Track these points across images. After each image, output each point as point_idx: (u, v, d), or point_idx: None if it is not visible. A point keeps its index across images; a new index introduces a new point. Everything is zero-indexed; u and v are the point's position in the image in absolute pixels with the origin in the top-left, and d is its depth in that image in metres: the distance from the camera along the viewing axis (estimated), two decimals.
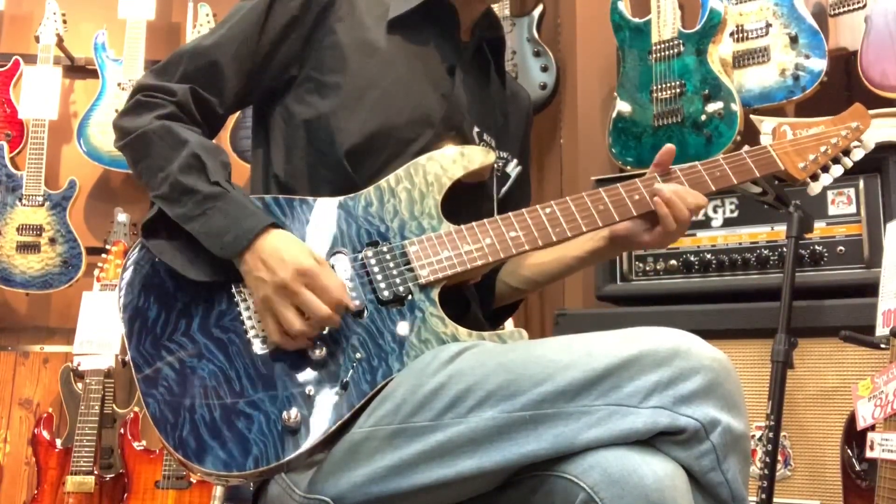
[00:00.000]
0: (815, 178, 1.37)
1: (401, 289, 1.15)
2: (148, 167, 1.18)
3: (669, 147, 1.31)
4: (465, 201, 1.27)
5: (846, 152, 1.38)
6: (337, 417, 1.05)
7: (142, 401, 1.07)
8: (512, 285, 1.47)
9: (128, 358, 1.10)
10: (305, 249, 1.11)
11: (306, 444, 1.03)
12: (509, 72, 1.54)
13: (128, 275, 1.16)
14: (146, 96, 1.23)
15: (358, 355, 1.10)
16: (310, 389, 1.07)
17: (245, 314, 1.12)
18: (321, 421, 1.05)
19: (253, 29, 1.26)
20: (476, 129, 1.37)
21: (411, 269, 1.16)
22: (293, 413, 1.04)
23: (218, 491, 1.15)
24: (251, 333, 1.11)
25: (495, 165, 1.35)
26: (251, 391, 1.06)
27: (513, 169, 1.44)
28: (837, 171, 1.37)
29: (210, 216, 1.12)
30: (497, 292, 1.48)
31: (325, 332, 1.11)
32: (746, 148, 1.35)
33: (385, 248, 1.18)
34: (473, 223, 1.20)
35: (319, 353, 1.09)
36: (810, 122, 1.39)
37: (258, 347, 1.10)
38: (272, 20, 1.27)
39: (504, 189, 1.42)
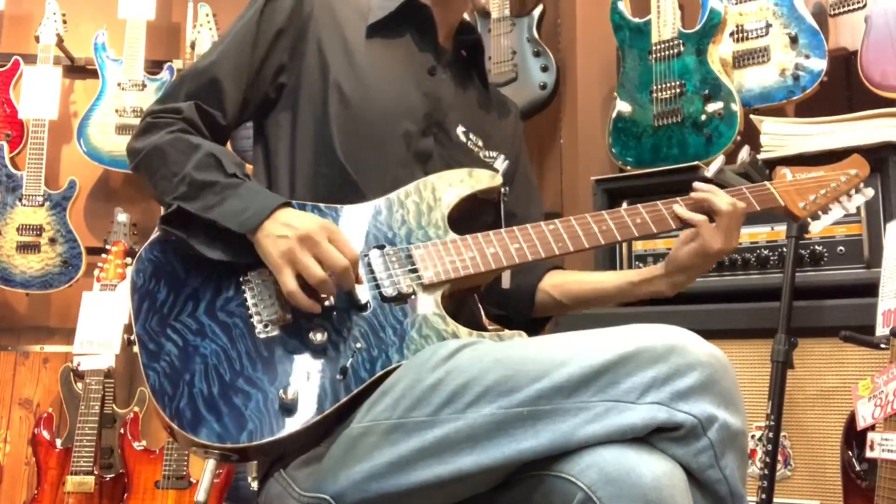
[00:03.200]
0: (814, 217, 1.39)
1: (404, 287, 1.17)
2: (163, 176, 1.22)
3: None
4: (471, 220, 1.31)
5: (847, 197, 1.41)
6: (334, 401, 1.07)
7: (143, 387, 1.09)
8: (555, 297, 1.47)
9: (133, 336, 1.13)
10: (321, 217, 1.18)
11: (301, 424, 1.05)
12: (494, 80, 1.58)
13: (141, 263, 1.19)
14: (154, 118, 1.29)
15: (358, 345, 1.12)
16: (309, 372, 1.09)
17: (251, 301, 1.15)
18: (318, 403, 1.07)
19: (246, 43, 1.33)
20: (462, 128, 1.41)
21: (415, 271, 1.19)
22: (291, 392, 1.05)
23: (204, 483, 1.14)
24: (255, 319, 1.13)
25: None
26: (251, 370, 1.08)
27: (500, 164, 1.47)
28: (838, 212, 1.40)
29: (228, 201, 1.16)
30: (537, 301, 1.48)
31: (326, 320, 1.13)
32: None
33: (391, 251, 1.21)
34: (478, 234, 1.24)
35: (321, 337, 1.11)
36: (810, 168, 1.42)
37: (261, 332, 1.12)
38: (261, 34, 1.34)
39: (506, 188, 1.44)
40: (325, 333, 1.12)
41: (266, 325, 1.13)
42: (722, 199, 1.28)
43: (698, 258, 1.30)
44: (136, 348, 1.11)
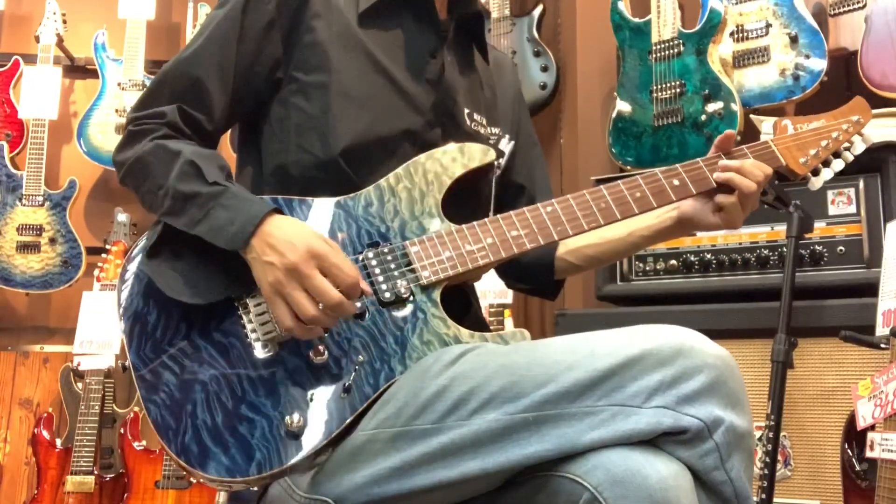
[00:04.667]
0: (815, 173, 1.36)
1: (402, 290, 1.14)
2: (149, 189, 1.16)
3: (729, 133, 1.31)
4: (464, 197, 1.27)
5: (847, 147, 1.37)
6: (340, 421, 1.05)
7: (142, 405, 1.06)
8: (574, 263, 1.48)
9: (128, 363, 1.09)
10: (314, 232, 1.09)
11: (309, 449, 1.03)
12: (492, 45, 1.52)
13: (128, 279, 1.14)
14: (136, 125, 1.21)
15: (360, 358, 1.09)
16: (312, 393, 1.06)
17: (245, 318, 1.11)
18: (324, 425, 1.04)
19: (230, 37, 1.23)
20: (466, 111, 1.35)
21: (413, 270, 1.15)
22: (296, 417, 1.03)
23: (222, 497, 1.16)
24: (252, 337, 1.09)
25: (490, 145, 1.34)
26: (253, 395, 1.05)
27: (506, 145, 1.43)
28: (838, 165, 1.36)
29: (213, 214, 1.09)
30: (556, 268, 1.49)
31: (326, 335, 1.09)
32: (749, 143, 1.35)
33: (386, 249, 1.17)
34: (474, 222, 1.19)
35: (321, 356, 1.08)
36: (811, 117, 1.39)
37: (259, 351, 1.09)
38: (249, 25, 1.24)
39: (502, 161, 1.41)
40: (325, 348, 1.08)
41: (265, 345, 1.09)
42: (748, 182, 1.26)
43: (717, 227, 1.32)
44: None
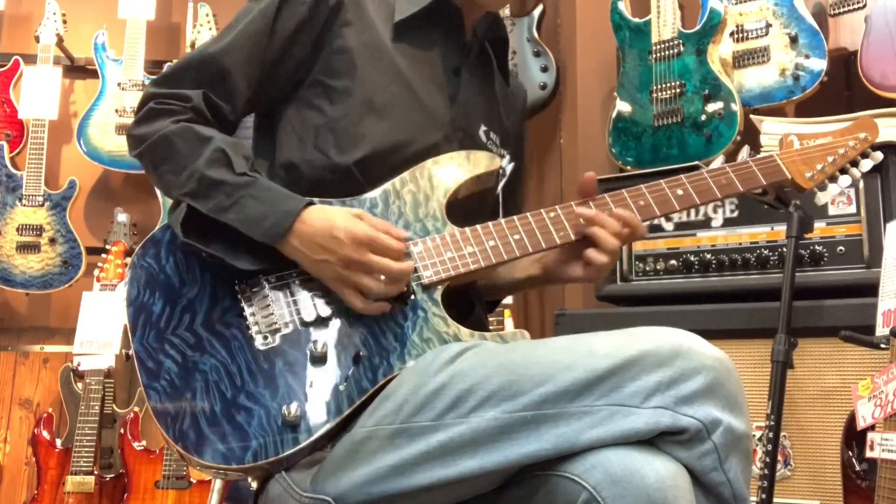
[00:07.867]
0: (822, 187, 1.37)
1: (404, 288, 1.15)
2: (171, 169, 1.18)
3: (590, 175, 1.26)
4: (470, 204, 1.29)
5: (854, 163, 1.38)
6: (337, 414, 1.06)
7: (143, 396, 1.08)
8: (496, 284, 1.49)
9: (131, 351, 1.11)
10: (348, 216, 1.14)
11: (306, 440, 1.04)
12: (511, 70, 1.54)
13: (134, 270, 1.17)
14: (159, 103, 1.22)
15: (360, 353, 1.10)
16: (311, 385, 1.07)
17: (248, 310, 1.13)
18: (321, 417, 1.05)
19: (262, 34, 1.25)
20: (483, 128, 1.38)
21: (415, 270, 1.17)
22: (293, 408, 1.04)
23: (215, 497, 1.17)
24: (253, 329, 1.11)
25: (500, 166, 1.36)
26: (252, 386, 1.07)
27: (507, 164, 1.46)
28: (845, 181, 1.37)
29: (243, 204, 1.13)
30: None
31: (326, 328, 1.12)
32: (752, 152, 1.35)
33: None
34: (477, 226, 1.21)
35: (321, 347, 1.09)
36: (817, 130, 1.39)
37: (260, 343, 1.10)
38: (281, 24, 1.26)
39: (500, 185, 1.43)
40: (326, 342, 1.10)
41: (266, 337, 1.11)
42: (609, 239, 1.21)
43: (580, 279, 1.29)
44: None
